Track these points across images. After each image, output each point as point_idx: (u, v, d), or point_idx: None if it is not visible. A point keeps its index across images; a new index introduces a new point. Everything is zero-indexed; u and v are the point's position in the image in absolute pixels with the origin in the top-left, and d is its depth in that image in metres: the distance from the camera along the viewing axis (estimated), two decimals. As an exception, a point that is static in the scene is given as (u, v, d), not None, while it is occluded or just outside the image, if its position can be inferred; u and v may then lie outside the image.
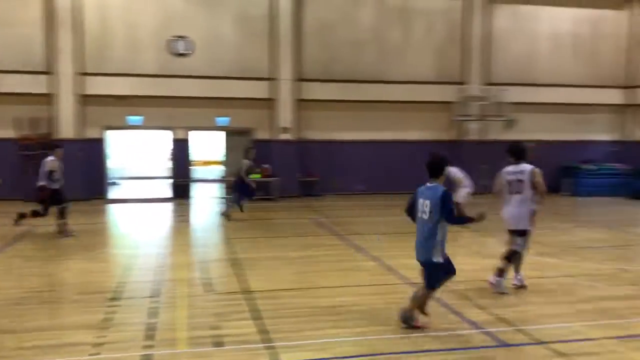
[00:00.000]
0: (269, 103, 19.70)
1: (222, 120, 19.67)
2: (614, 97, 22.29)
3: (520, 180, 7.89)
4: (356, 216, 15.75)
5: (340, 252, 10.77)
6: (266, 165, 14.98)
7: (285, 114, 19.68)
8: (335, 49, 20.19)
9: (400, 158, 20.76)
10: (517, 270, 8.23)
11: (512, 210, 7.96)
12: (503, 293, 7.83)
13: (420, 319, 6.46)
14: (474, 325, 6.53)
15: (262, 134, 19.82)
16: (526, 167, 7.96)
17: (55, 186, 12.12)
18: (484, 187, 20.56)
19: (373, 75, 20.29)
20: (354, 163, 20.43)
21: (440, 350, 5.79)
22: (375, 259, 10.04)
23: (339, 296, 7.71)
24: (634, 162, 21.69)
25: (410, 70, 20.66)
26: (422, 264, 6.45)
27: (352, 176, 20.38)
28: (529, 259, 10.07)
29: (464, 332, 6.31)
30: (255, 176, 19.03)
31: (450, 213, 6.21)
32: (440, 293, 7.77)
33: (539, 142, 21.75)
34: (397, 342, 5.98)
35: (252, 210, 16.76)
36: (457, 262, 9.78)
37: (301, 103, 19.88)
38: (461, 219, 6.64)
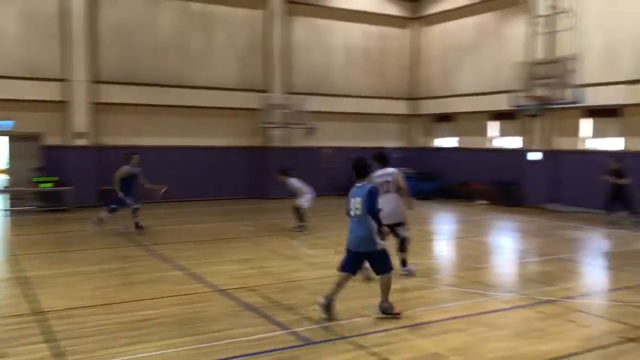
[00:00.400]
0: (61, 106, 18.22)
1: (5, 124, 17.71)
2: (400, 107, 24.56)
3: (387, 182, 9.29)
4: (160, 225, 15.22)
5: (144, 263, 10.33)
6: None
7: (79, 118, 18.35)
8: (136, 52, 19.40)
9: (208, 164, 20.63)
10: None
11: (385, 207, 8.58)
12: (413, 275, 9.19)
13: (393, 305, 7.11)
14: (281, 326, 6.70)
15: (54, 140, 18.26)
16: (391, 170, 9.46)
17: None
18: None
19: (176, 79, 19.89)
20: (160, 170, 19.72)
21: (251, 354, 5.83)
22: (181, 268, 9.81)
23: (144, 309, 7.38)
24: (417, 165, 24.10)
25: (214, 77, 20.64)
26: (364, 255, 7.01)
27: (157, 183, 19.67)
28: (327, 257, 10.64)
29: (272, 334, 6.44)
30: (46, 185, 17.50)
31: (372, 207, 6.89)
32: (248, 298, 7.88)
33: (335, 149, 23.17)
34: (206, 351, 5.90)
35: (41, 223, 15.37)
36: (264, 266, 10.00)
37: (99, 106, 18.71)
38: (378, 218, 6.93)
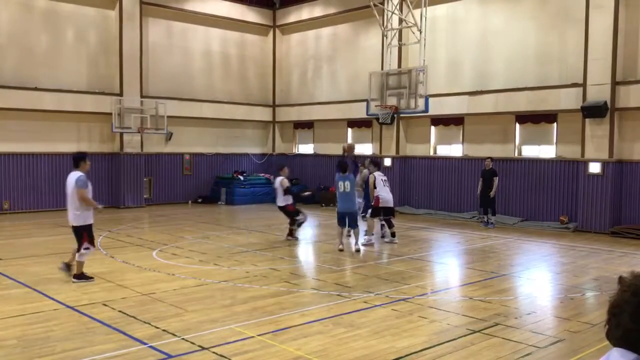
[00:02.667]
0: None
1: None
2: (261, 114, 24.65)
3: (385, 180, 13.57)
4: (1, 238, 13.93)
5: (-19, 282, 9.36)
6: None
7: None
8: (-31, 49, 17.60)
9: (57, 172, 19.22)
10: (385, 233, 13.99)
11: (388, 195, 13.36)
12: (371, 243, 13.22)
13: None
14: (139, 341, 6.40)
15: None
16: (381, 173, 13.75)
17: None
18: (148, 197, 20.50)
19: (17, 81, 18.29)
20: (2, 178, 18.13)
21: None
22: (25, 285, 9.03)
23: (-19, 333, 6.68)
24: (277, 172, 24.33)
25: (62, 78, 19.28)
26: (348, 213, 12.33)
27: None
28: (189, 268, 10.38)
29: (130, 350, 6.13)
30: None
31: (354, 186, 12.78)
32: (101, 313, 7.45)
33: (196, 155, 22.76)
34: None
35: None
36: (119, 279, 9.50)
37: None
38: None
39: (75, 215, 9.06)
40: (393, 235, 13.67)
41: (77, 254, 9.16)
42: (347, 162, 12.78)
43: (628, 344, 1.65)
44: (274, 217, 18.58)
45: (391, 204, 13.58)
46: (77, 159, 9.30)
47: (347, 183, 12.30)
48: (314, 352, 6.11)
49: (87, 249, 9.17)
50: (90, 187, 9.18)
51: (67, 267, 9.32)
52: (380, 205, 13.39)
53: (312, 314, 7.56)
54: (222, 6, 22.97)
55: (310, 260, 12.12)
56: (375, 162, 14.17)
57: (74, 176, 9.11)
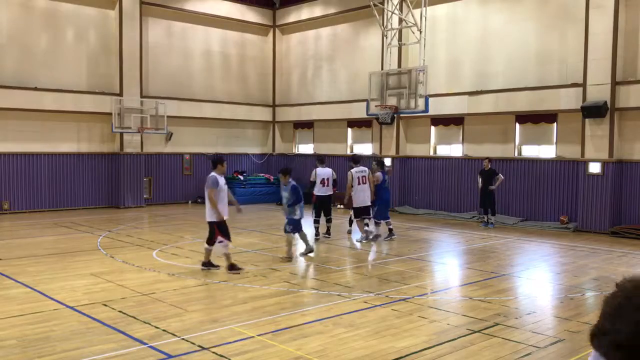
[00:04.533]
0: None
1: None
2: (261, 114, 24.64)
3: (364, 176, 13.34)
4: (0, 239, 13.92)
5: (-19, 282, 9.36)
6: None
7: None
8: (-31, 49, 17.59)
9: (57, 172, 19.23)
10: (367, 225, 13.56)
11: (361, 194, 13.24)
12: (369, 238, 13.36)
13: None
14: (139, 341, 6.40)
15: None
16: (365, 168, 13.54)
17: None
18: (145, 200, 20.56)
19: (17, 81, 18.29)
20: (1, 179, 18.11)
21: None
22: (24, 285, 9.03)
23: (-19, 333, 6.68)
24: (278, 172, 24.33)
25: (62, 78, 19.27)
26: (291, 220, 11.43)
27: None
28: (189, 268, 10.38)
29: (130, 350, 6.13)
30: None
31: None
32: (101, 314, 7.44)
33: (196, 155, 22.75)
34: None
35: None
36: (119, 279, 9.50)
37: None
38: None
39: (209, 212, 9.84)
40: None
41: (211, 246, 9.95)
42: (290, 167, 12.44)
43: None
44: (273, 217, 18.57)
45: (366, 204, 13.44)
46: (214, 162, 10.09)
47: (286, 194, 11.28)
48: (314, 352, 6.11)
49: (221, 242, 9.91)
50: (220, 187, 9.77)
51: (208, 265, 10.06)
52: (354, 205, 13.42)
53: (312, 314, 7.56)
54: (222, 6, 22.96)
55: (309, 260, 12.10)
56: (356, 158, 13.85)
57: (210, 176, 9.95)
